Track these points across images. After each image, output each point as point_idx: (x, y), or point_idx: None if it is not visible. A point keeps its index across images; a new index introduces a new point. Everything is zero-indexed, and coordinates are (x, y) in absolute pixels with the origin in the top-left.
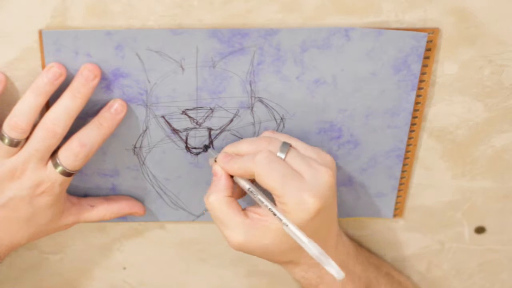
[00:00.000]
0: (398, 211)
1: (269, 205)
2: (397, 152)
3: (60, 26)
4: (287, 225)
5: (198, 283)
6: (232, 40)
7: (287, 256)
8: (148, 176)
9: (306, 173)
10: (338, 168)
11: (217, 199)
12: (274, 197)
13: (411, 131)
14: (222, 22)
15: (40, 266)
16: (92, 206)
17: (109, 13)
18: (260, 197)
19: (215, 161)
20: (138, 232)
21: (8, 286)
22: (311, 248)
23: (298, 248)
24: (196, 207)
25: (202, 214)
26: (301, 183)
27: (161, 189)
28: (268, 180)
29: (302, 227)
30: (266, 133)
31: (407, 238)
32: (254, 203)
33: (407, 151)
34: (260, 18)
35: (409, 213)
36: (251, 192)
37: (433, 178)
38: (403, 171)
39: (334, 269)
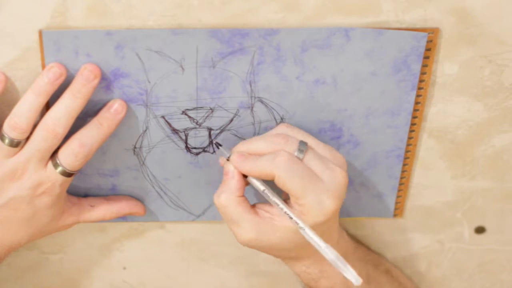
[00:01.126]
0: (398, 211)
1: (285, 208)
2: (397, 152)
3: (60, 26)
4: (303, 229)
5: (198, 283)
6: (232, 40)
7: (292, 253)
8: (148, 176)
9: (323, 174)
10: None
11: (229, 199)
12: (292, 198)
13: (411, 131)
14: (222, 22)
15: (40, 266)
16: (92, 206)
17: (109, 13)
18: (275, 199)
19: (227, 159)
20: (138, 232)
21: (8, 286)
22: (328, 253)
23: (304, 246)
24: (196, 207)
25: (202, 214)
26: (320, 184)
27: (161, 189)
28: (288, 182)
29: (318, 228)
30: (281, 127)
31: (407, 238)
32: (263, 198)
33: (407, 151)
34: (260, 18)
35: (409, 213)
36: (266, 194)
37: (433, 178)
38: (403, 171)
39: (351, 275)
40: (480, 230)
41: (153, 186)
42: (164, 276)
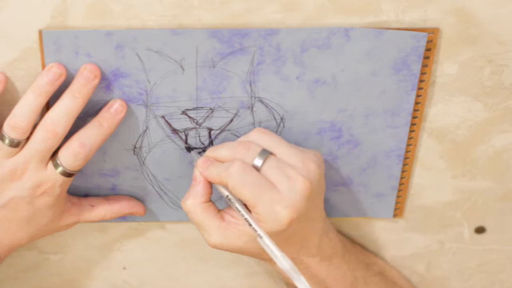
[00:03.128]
0: (398, 211)
1: (246, 215)
2: (397, 152)
3: (60, 26)
4: (261, 237)
5: (198, 283)
6: (232, 40)
7: (264, 256)
8: (148, 176)
9: (281, 183)
10: (338, 168)
11: (193, 204)
12: (248, 207)
13: (411, 131)
14: (222, 22)
15: (40, 266)
16: (92, 206)
17: (109, 13)
18: (237, 205)
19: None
20: (138, 232)
21: (8, 286)
22: (282, 262)
23: None
24: None
25: None
26: (274, 194)
27: (161, 189)
28: (241, 191)
29: (274, 235)
30: (253, 134)
31: (407, 238)
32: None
33: (407, 151)
34: (260, 18)
35: (409, 213)
36: (229, 199)
37: (433, 178)
38: (403, 171)
39: (303, 286)
40: (480, 230)
41: (153, 186)
42: (164, 276)
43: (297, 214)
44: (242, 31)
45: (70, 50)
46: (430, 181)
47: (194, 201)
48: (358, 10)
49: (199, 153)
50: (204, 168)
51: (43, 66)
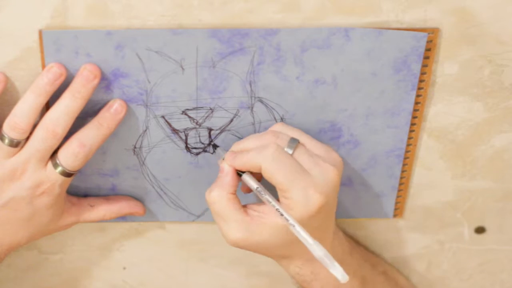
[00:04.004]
0: (398, 211)
1: (277, 205)
2: (397, 152)
3: (60, 26)
4: (294, 226)
5: (198, 283)
6: (232, 40)
7: (282, 251)
8: (148, 176)
9: (312, 170)
10: None
11: (220, 195)
12: (279, 191)
13: (411, 131)
14: (222, 22)
15: (40, 266)
16: (92, 206)
17: (109, 13)
18: (267, 196)
19: (223, 159)
20: (138, 232)
21: (8, 286)
22: (316, 249)
23: (293, 244)
24: (196, 207)
25: (202, 214)
26: (307, 178)
27: (161, 189)
28: (275, 174)
29: (304, 223)
30: (277, 126)
31: (407, 238)
32: (255, 201)
33: (407, 151)
34: (260, 18)
35: (409, 213)
36: (259, 191)
37: (433, 178)
38: (403, 171)
39: (338, 272)
40: (480, 230)
41: (153, 186)
42: (164, 276)
43: (327, 201)
44: (242, 31)
45: (70, 50)
46: (430, 181)
47: (221, 191)
48: (358, 10)
49: (200, 152)
50: (232, 158)
51: (43, 66)
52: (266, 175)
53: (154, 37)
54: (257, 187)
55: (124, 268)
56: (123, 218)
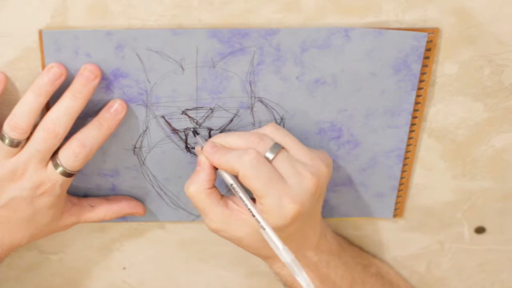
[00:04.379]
0: (398, 211)
1: (249, 205)
2: (397, 152)
3: (60, 26)
4: (264, 229)
5: (198, 283)
6: (232, 40)
7: (262, 252)
8: (148, 176)
9: (290, 178)
10: (338, 168)
11: (197, 190)
12: (255, 197)
13: (411, 131)
14: (222, 22)
15: (40, 266)
16: (92, 206)
17: (109, 13)
18: (241, 195)
19: (201, 149)
20: (138, 232)
21: (8, 286)
22: (284, 255)
23: (269, 246)
24: None
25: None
26: (283, 187)
27: (161, 189)
28: (251, 181)
29: (278, 230)
30: (266, 129)
31: (407, 238)
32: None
33: (407, 151)
34: (260, 18)
35: (409, 213)
36: (233, 188)
37: (433, 178)
38: (403, 171)
39: (304, 281)
40: (480, 230)
41: (153, 186)
42: (164, 276)
43: (302, 210)
44: (242, 31)
45: (70, 50)
46: (430, 181)
47: (198, 187)
48: (358, 10)
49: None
50: (211, 153)
51: (43, 66)
52: (243, 180)
53: (154, 37)
54: (232, 184)
55: (124, 268)
56: (123, 218)
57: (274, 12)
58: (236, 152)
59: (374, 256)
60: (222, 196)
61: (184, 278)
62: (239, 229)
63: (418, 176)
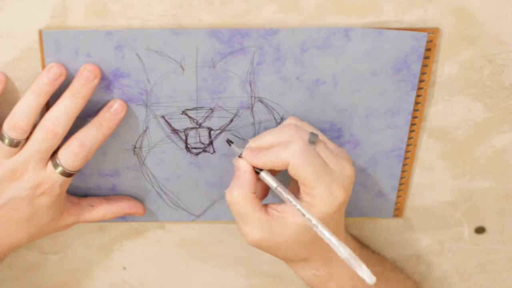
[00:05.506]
0: (398, 211)
1: (298, 205)
2: (397, 152)
3: (60, 26)
4: (317, 226)
5: (198, 283)
6: (232, 40)
7: (301, 252)
8: (148, 176)
9: (334, 165)
10: None
11: (242, 194)
12: (303, 188)
13: (411, 131)
14: (222, 22)
15: (40, 266)
16: (92, 206)
17: (109, 13)
18: (289, 196)
19: (239, 156)
20: (138, 232)
21: (8, 286)
22: (342, 250)
23: (313, 245)
24: (196, 207)
25: (202, 214)
26: (331, 175)
27: (161, 189)
28: (303, 171)
29: (326, 221)
30: (291, 120)
31: (407, 238)
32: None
33: (407, 151)
34: (260, 18)
35: (409, 213)
36: (278, 191)
37: (433, 178)
38: (403, 171)
39: (365, 273)
40: (480, 230)
41: (153, 186)
42: (164, 276)
43: (347, 198)
44: (242, 31)
45: (70, 50)
46: (430, 181)
47: (241, 191)
48: (358, 10)
49: (200, 153)
50: (253, 156)
51: (43, 66)
52: (293, 171)
53: (154, 37)
54: (277, 186)
55: (124, 268)
56: (123, 218)
57: (274, 12)
58: (280, 146)
59: (381, 255)
60: (262, 204)
61: (184, 278)
62: (281, 234)
63: (418, 176)
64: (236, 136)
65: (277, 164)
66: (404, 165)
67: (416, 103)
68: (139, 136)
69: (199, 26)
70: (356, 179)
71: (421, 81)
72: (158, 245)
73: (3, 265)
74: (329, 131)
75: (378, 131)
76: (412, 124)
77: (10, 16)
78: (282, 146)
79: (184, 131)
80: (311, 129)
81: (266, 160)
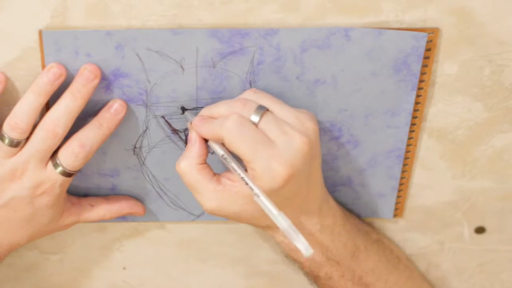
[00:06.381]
0: (398, 211)
1: (242, 174)
2: (397, 152)
3: (60, 26)
4: (258, 196)
5: (198, 283)
6: (232, 40)
7: (262, 222)
8: (148, 176)
9: (278, 139)
10: (338, 168)
11: (188, 166)
12: (244, 162)
13: (411, 131)
14: (222, 22)
15: (40, 266)
16: (92, 206)
17: (109, 13)
18: (233, 164)
19: (191, 123)
20: (138, 232)
21: (8, 286)
22: (280, 221)
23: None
24: (196, 207)
25: (202, 214)
26: (271, 150)
27: (161, 189)
28: (237, 145)
29: (272, 194)
30: (248, 93)
31: (407, 238)
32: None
33: (407, 151)
34: (260, 18)
35: (409, 213)
36: (225, 159)
37: (433, 178)
38: (403, 171)
39: (302, 245)
40: (480, 230)
41: (153, 186)
42: (164, 276)
43: (294, 172)
44: (242, 31)
45: (70, 50)
46: (430, 181)
47: (188, 162)
48: (358, 10)
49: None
50: (199, 126)
51: (43, 66)
52: (229, 146)
53: (154, 37)
54: (223, 154)
55: (124, 268)
56: (123, 218)
57: (274, 12)
58: (219, 119)
59: (370, 225)
60: (214, 173)
61: (184, 278)
62: (235, 203)
63: (418, 176)
64: None
65: (213, 138)
66: (404, 165)
67: (416, 103)
68: (139, 136)
69: (199, 26)
70: (356, 179)
71: (421, 81)
72: (158, 245)
73: (3, 265)
74: (329, 131)
75: (378, 131)
76: (412, 124)
77: (10, 16)
78: (220, 120)
79: (184, 131)
80: (267, 100)
81: (207, 132)
